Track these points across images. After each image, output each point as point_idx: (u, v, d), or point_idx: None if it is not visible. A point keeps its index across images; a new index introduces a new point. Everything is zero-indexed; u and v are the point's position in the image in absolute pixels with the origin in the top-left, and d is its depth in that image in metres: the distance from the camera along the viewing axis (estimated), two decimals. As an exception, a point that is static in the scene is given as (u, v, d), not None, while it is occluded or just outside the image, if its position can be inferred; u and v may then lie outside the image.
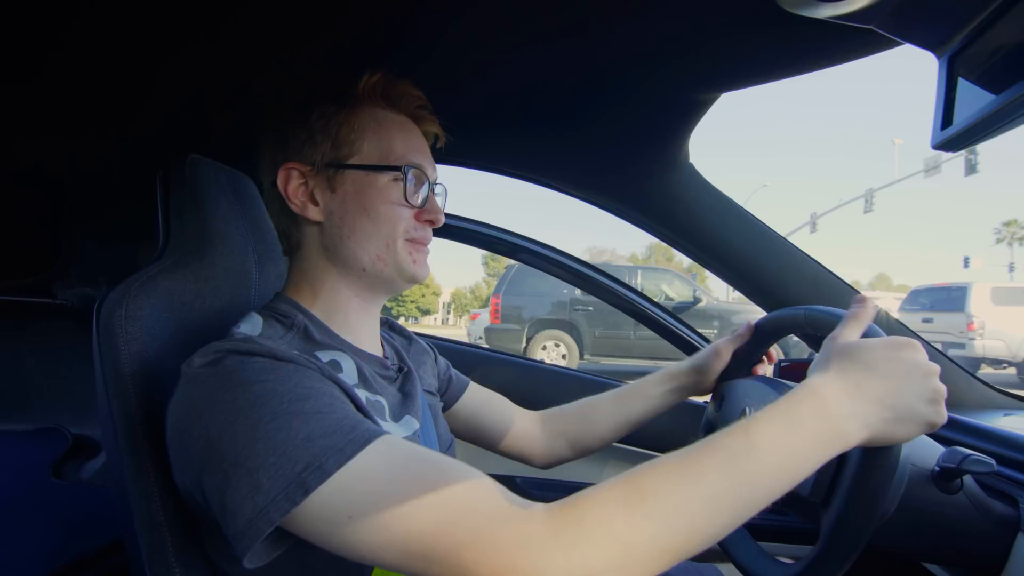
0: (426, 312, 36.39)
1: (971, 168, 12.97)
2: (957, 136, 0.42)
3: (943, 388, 0.49)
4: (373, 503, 0.41)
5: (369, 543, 0.41)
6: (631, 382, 0.88)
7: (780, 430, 0.45)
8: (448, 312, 38.44)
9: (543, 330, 7.02)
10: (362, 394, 0.56)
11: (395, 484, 0.42)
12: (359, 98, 0.60)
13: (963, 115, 0.42)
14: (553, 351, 6.97)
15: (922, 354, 0.50)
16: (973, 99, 0.42)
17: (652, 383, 0.85)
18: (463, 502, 0.42)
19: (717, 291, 7.61)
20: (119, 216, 1.09)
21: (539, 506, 0.42)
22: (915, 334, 0.89)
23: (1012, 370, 7.52)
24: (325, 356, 0.57)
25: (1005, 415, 0.89)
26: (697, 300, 7.00)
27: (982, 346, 7.33)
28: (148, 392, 0.55)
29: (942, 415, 0.49)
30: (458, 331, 20.80)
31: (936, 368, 0.50)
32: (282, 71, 0.78)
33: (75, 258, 1.15)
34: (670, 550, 0.41)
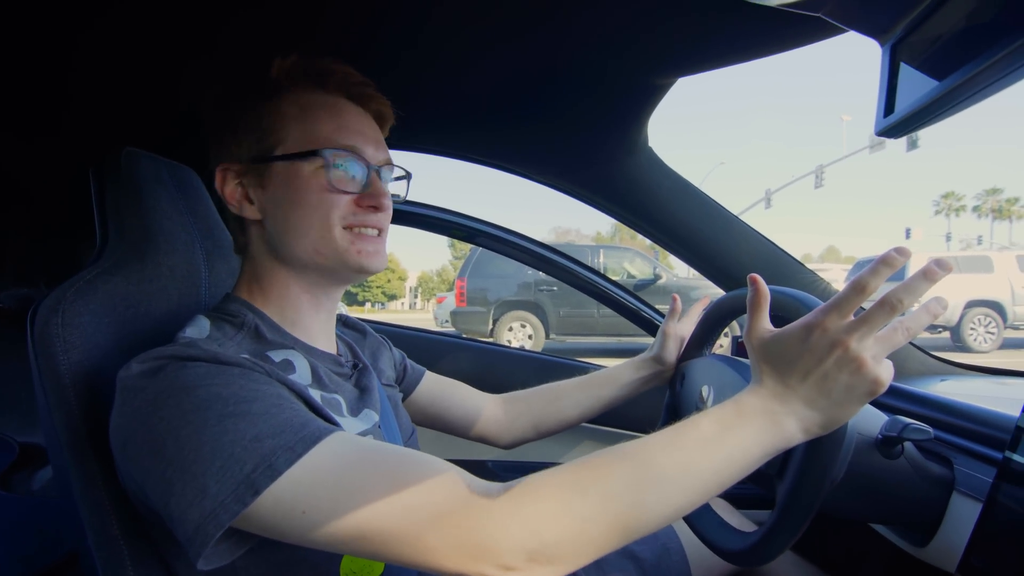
0: (392, 297, 35.92)
1: (912, 144, 13.68)
2: (899, 123, 0.44)
3: (878, 377, 0.46)
4: (327, 496, 0.41)
5: (325, 535, 0.42)
6: (597, 371, 0.90)
7: (726, 427, 0.47)
8: (415, 296, 38.04)
9: (509, 311, 7.06)
10: (316, 393, 0.55)
11: (348, 476, 0.43)
12: (279, 85, 0.56)
13: (905, 102, 0.44)
14: (519, 332, 7.03)
15: (831, 329, 0.46)
16: (915, 86, 0.43)
17: (619, 371, 0.88)
18: (419, 487, 0.43)
19: (678, 268, 7.82)
20: (56, 213, 1.01)
21: (497, 485, 0.44)
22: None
23: (946, 334, 8.07)
24: (277, 356, 0.55)
25: (942, 380, 0.95)
26: (658, 277, 7.18)
27: (920, 312, 7.81)
28: (93, 402, 0.52)
29: (877, 382, 0.46)
30: (425, 315, 20.63)
31: (867, 359, 0.46)
32: (208, 64, 0.74)
33: (8, 257, 1.07)
34: (623, 527, 0.43)
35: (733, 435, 0.47)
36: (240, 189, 0.57)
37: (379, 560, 0.43)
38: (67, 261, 1.03)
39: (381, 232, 0.59)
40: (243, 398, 0.44)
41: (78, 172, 0.72)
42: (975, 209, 46.18)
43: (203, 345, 0.48)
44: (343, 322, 0.77)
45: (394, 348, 0.82)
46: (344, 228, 0.56)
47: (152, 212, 0.64)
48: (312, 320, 0.61)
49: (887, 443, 0.65)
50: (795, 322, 0.50)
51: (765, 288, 0.52)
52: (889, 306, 0.45)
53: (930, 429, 0.62)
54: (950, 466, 0.69)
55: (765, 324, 0.52)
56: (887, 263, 0.45)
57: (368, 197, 0.57)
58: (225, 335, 0.54)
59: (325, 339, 0.64)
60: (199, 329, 0.54)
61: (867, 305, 0.47)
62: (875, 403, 0.81)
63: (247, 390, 0.45)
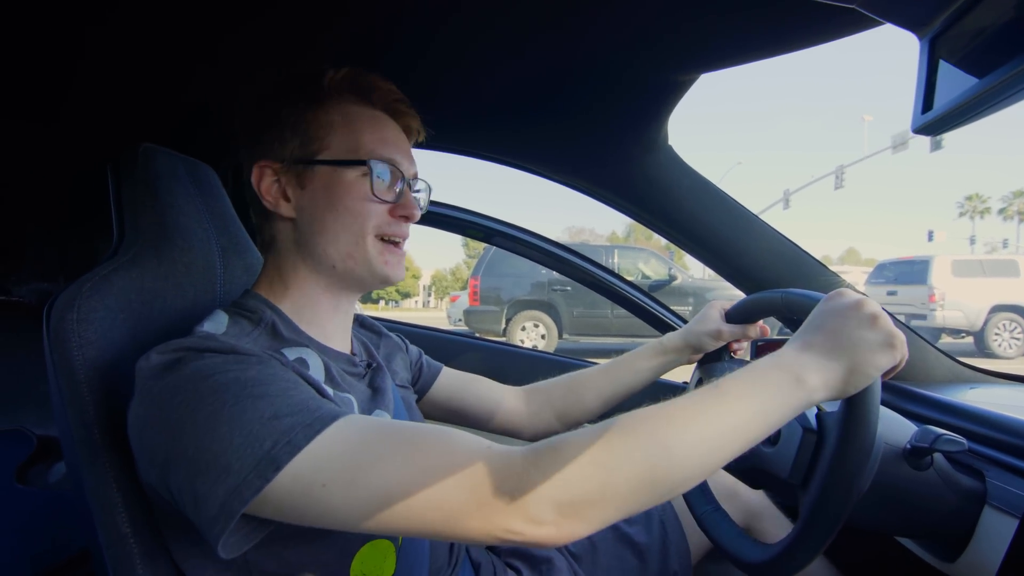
0: (406, 295, 36.14)
1: (936, 145, 13.34)
2: (937, 120, 0.41)
3: (895, 331, 0.52)
4: (347, 467, 0.42)
5: (347, 507, 0.42)
6: (622, 355, 0.88)
7: (746, 383, 0.48)
8: (429, 295, 38.24)
9: (522, 311, 7.04)
10: (329, 390, 0.55)
11: (367, 447, 0.43)
12: (328, 93, 0.59)
13: (944, 99, 0.41)
14: (532, 331, 7.02)
15: (847, 294, 0.54)
16: (954, 82, 0.41)
17: (644, 356, 0.86)
18: (439, 451, 0.43)
19: (693, 269, 7.74)
20: (74, 210, 1.03)
21: (519, 447, 0.44)
22: (884, 309, 0.91)
23: (970, 339, 7.88)
24: (292, 353, 0.56)
25: (971, 388, 0.92)
26: (673, 278, 7.11)
27: (942, 317, 7.64)
28: (106, 399, 0.52)
29: (895, 335, 0.51)
30: (439, 313, 20.73)
31: (883, 315, 0.52)
32: (251, 65, 0.74)
33: (28, 253, 1.09)
34: (651, 479, 0.43)
35: (752, 391, 0.48)
36: (277, 186, 0.59)
37: (405, 533, 0.43)
38: (86, 257, 1.05)
39: (404, 242, 0.62)
40: (260, 381, 0.45)
41: (96, 167, 0.72)
42: (1001, 212, 44.94)
43: (221, 338, 0.50)
44: (359, 322, 0.78)
45: (411, 346, 0.82)
46: (376, 237, 0.59)
47: (168, 208, 0.65)
48: (329, 320, 0.62)
49: (916, 454, 0.63)
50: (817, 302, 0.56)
51: None
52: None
53: (963, 440, 0.60)
54: (982, 479, 0.66)
55: None
56: None
57: (402, 207, 0.60)
58: (242, 330, 0.55)
59: (340, 339, 0.64)
60: (217, 324, 0.54)
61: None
62: (903, 412, 0.78)
63: (264, 374, 0.46)
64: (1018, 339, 7.59)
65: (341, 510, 0.42)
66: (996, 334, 7.63)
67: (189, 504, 0.43)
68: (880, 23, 0.46)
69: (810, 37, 0.63)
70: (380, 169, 0.58)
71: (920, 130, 0.43)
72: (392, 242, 0.60)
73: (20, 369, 1.13)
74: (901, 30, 0.44)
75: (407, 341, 0.82)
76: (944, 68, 0.42)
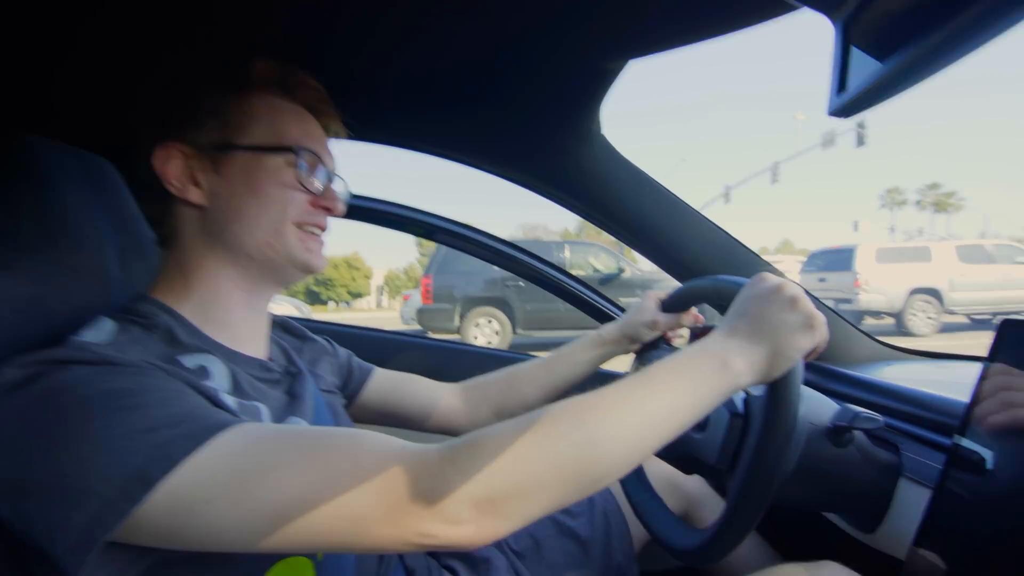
0: (358, 295, 35.21)
1: (861, 140, 14.32)
2: (851, 102, 0.42)
3: (814, 312, 0.53)
4: (235, 479, 0.37)
5: (238, 524, 0.37)
6: (559, 348, 0.88)
7: (672, 369, 0.48)
8: (382, 295, 37.41)
9: (476, 307, 7.01)
10: (232, 401, 0.50)
11: (260, 455, 0.38)
12: (252, 83, 0.58)
13: (856, 81, 0.42)
14: (486, 327, 7.00)
15: (768, 278, 0.55)
16: (865, 64, 0.42)
17: (582, 348, 0.86)
18: (343, 455, 0.39)
19: (641, 263, 7.96)
20: None
21: (434, 445, 0.41)
22: (808, 292, 0.95)
23: (891, 320, 8.52)
24: (191, 361, 0.50)
25: (888, 365, 0.97)
26: (621, 271, 7.28)
27: (867, 300, 8.24)
28: None
29: (815, 317, 0.52)
30: (392, 314, 20.33)
31: (803, 297, 0.53)
32: (161, 47, 0.67)
33: None
34: (573, 472, 0.41)
35: (679, 376, 0.47)
36: (186, 171, 0.55)
37: (309, 548, 0.39)
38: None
39: (324, 232, 0.61)
40: (134, 391, 0.39)
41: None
42: (917, 203, 48.93)
43: (95, 348, 0.43)
44: (281, 326, 0.73)
45: (339, 349, 0.78)
46: (295, 225, 0.57)
47: (53, 206, 0.58)
48: (240, 320, 0.57)
49: (837, 432, 0.65)
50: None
51: None
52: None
53: (880, 417, 0.62)
54: (897, 452, 0.69)
55: None
56: None
57: (324, 199, 0.59)
58: (132, 338, 0.49)
59: (253, 343, 0.59)
60: (100, 332, 0.48)
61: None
62: (826, 391, 0.82)
63: (140, 384, 0.40)
64: (932, 318, 8.28)
65: (230, 529, 0.37)
66: (913, 315, 8.29)
67: (44, 537, 0.37)
68: (796, 7, 0.46)
69: (732, 22, 0.63)
70: (307, 157, 0.57)
71: (836, 112, 0.43)
72: (311, 232, 0.59)
73: None
74: (816, 13, 0.44)
75: (335, 344, 0.78)
76: (856, 50, 0.42)
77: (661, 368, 0.48)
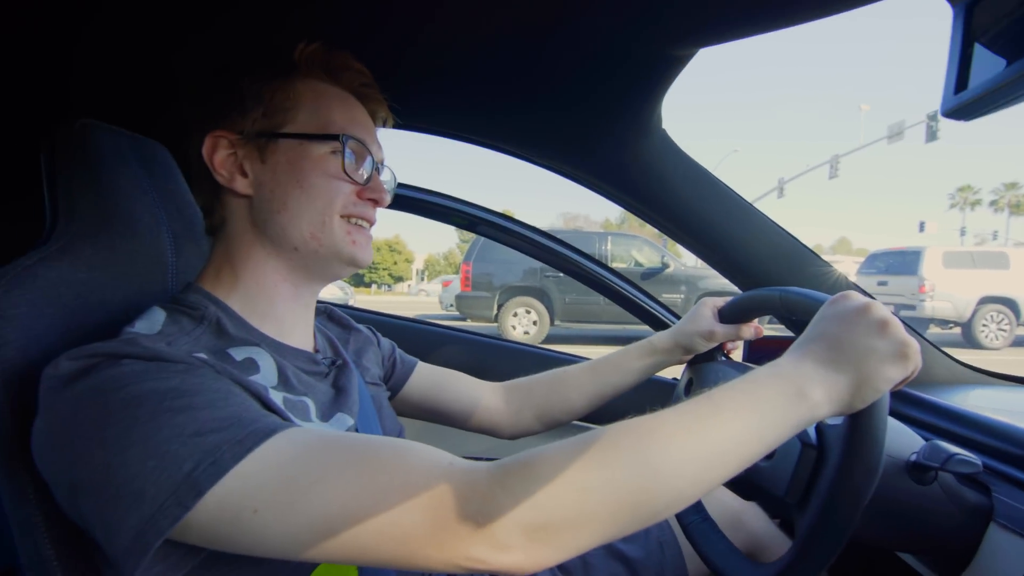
0: (399, 279, 36.00)
1: (932, 135, 13.29)
2: (972, 102, 0.36)
3: (907, 339, 0.47)
4: (283, 489, 0.37)
5: (284, 535, 0.36)
6: (608, 354, 0.84)
7: (743, 395, 0.43)
8: (421, 279, 38.10)
9: (514, 297, 7.00)
10: (279, 396, 0.50)
11: (308, 466, 0.37)
12: (296, 67, 0.56)
13: (979, 79, 0.36)
14: (524, 318, 6.99)
15: (875, 311, 0.48)
16: (990, 63, 0.35)
17: (632, 356, 0.82)
18: (392, 469, 0.38)
19: (686, 257, 7.71)
20: (8, 193, 0.95)
21: (485, 463, 0.39)
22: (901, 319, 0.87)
23: (957, 330, 7.94)
24: (239, 353, 0.50)
25: (973, 390, 0.88)
26: (665, 266, 7.08)
27: (931, 307, 7.69)
28: (27, 407, 0.46)
29: (907, 344, 0.47)
30: (430, 299, 20.64)
31: (894, 321, 0.48)
32: (214, 31, 0.68)
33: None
34: (630, 504, 0.38)
35: (749, 404, 0.43)
36: (232, 159, 0.54)
37: (354, 563, 0.39)
38: (23, 246, 0.97)
39: (371, 226, 0.59)
40: (182, 392, 0.39)
41: (30, 144, 0.65)
42: (992, 204, 45.28)
43: (145, 342, 0.43)
44: (327, 315, 0.73)
45: (383, 340, 0.77)
46: (342, 217, 0.55)
47: (110, 191, 0.58)
48: (287, 312, 0.57)
49: (921, 468, 0.58)
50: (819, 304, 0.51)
51: None
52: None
53: (978, 461, 0.55)
54: (988, 494, 0.62)
55: None
56: None
57: (371, 190, 0.57)
58: (181, 329, 0.49)
59: (300, 334, 0.59)
60: (151, 323, 0.49)
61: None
62: (901, 417, 0.74)
63: (188, 384, 0.40)
64: (1004, 331, 7.66)
65: (276, 538, 0.36)
66: (984, 325, 7.70)
67: (100, 534, 0.38)
68: (907, -11, 0.40)
69: (829, 4, 0.56)
70: (352, 146, 0.55)
71: (951, 113, 0.37)
72: (358, 224, 0.57)
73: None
74: (932, -3, 0.38)
75: (378, 334, 0.77)
76: (981, 42, 0.36)
77: (730, 393, 0.43)
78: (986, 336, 7.68)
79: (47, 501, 0.46)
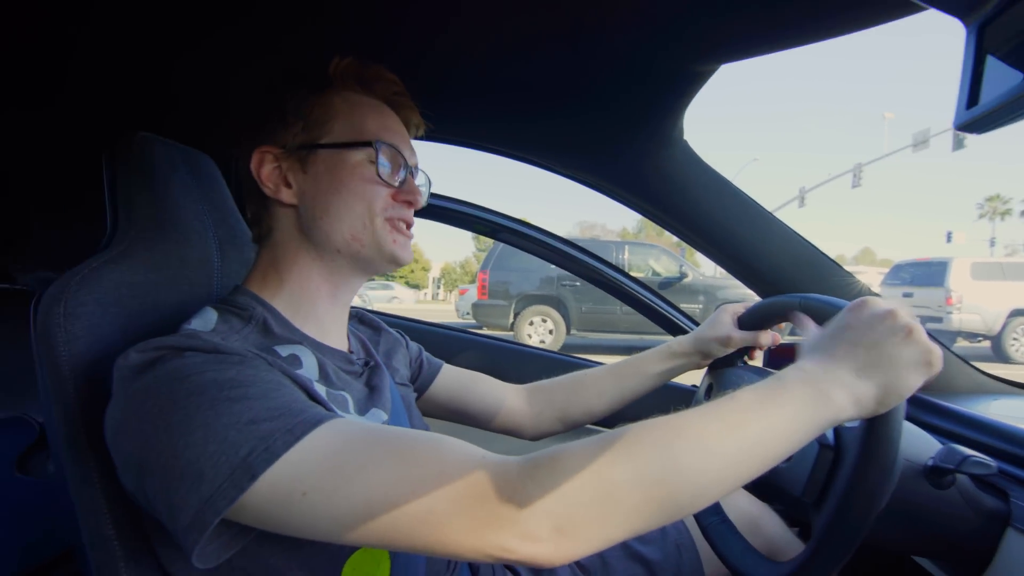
0: (416, 287, 36.27)
1: (959, 143, 13.00)
2: (984, 116, 0.38)
3: (932, 346, 0.48)
4: (329, 475, 0.40)
5: (330, 519, 0.39)
6: (628, 358, 0.86)
7: (769, 396, 0.44)
8: (438, 287, 38.33)
9: (530, 305, 7.01)
10: (322, 389, 0.53)
11: (352, 454, 0.40)
12: (331, 81, 0.59)
13: (992, 93, 0.37)
14: (540, 326, 6.99)
15: (878, 303, 0.49)
16: (1003, 76, 0.37)
17: (652, 360, 0.84)
18: (429, 460, 0.40)
19: (704, 266, 7.65)
20: (76, 197, 1.01)
21: (516, 457, 0.41)
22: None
23: (987, 343, 7.70)
24: (284, 351, 0.54)
25: (995, 400, 0.88)
26: (683, 275, 7.03)
27: (959, 320, 7.48)
28: (93, 397, 0.50)
29: (932, 352, 0.47)
30: (447, 306, 20.76)
31: (918, 327, 0.48)
32: (254, 53, 0.72)
33: (31, 240, 1.08)
34: (659, 498, 0.39)
35: (776, 405, 0.44)
36: (278, 173, 0.58)
37: (391, 547, 0.41)
38: (91, 245, 1.03)
39: (410, 227, 0.62)
40: (239, 383, 0.42)
41: (93, 156, 0.70)
42: (1023, 213, 43.97)
43: (204, 336, 0.47)
44: (358, 318, 0.76)
45: (411, 343, 0.81)
46: (383, 219, 0.58)
47: (164, 199, 0.63)
48: (326, 313, 0.60)
49: (938, 472, 0.59)
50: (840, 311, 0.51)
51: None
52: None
53: (992, 462, 0.56)
54: (1006, 499, 0.62)
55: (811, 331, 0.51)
56: None
57: (405, 192, 0.60)
58: (232, 328, 0.53)
59: (337, 335, 0.62)
60: (205, 321, 0.53)
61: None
62: (923, 424, 0.75)
63: (244, 375, 0.43)
64: (1037, 345, 7.42)
65: (322, 521, 0.40)
66: (1014, 339, 7.46)
67: (164, 512, 0.41)
68: (923, 8, 0.42)
69: (847, 23, 0.58)
70: (385, 152, 0.58)
71: (964, 127, 0.39)
72: (398, 225, 0.60)
73: (24, 356, 1.13)
74: (945, 15, 0.40)
75: (407, 337, 0.80)
76: (993, 59, 0.38)
77: (756, 394, 0.44)
78: (1016, 350, 7.44)
79: (110, 484, 0.49)
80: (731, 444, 0.41)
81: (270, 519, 0.40)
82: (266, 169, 0.58)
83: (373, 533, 0.39)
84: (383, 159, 0.58)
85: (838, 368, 0.46)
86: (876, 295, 0.93)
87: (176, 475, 0.39)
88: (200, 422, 0.40)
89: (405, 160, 0.60)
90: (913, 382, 0.47)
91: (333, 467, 0.40)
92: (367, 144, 0.57)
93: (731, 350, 0.80)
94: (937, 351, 0.48)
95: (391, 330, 0.79)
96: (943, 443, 0.62)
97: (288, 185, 0.58)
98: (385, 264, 0.60)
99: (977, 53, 0.38)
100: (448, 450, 0.42)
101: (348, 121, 0.58)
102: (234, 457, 0.39)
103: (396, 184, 0.59)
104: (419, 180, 0.64)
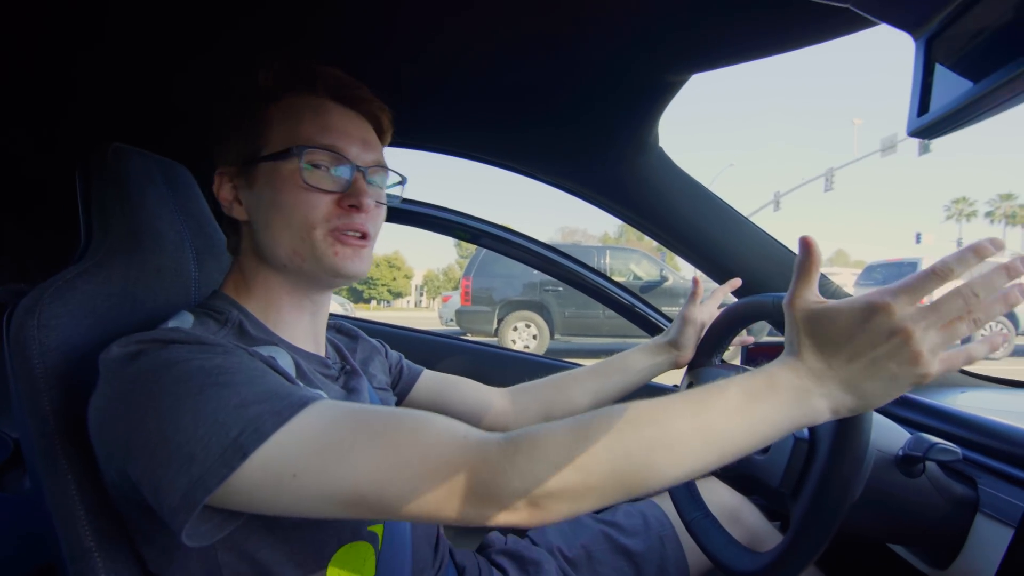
0: (398, 295, 36.00)
1: (925, 148, 13.47)
2: (934, 123, 0.40)
3: (928, 346, 0.42)
4: (317, 455, 0.41)
5: (319, 497, 0.41)
6: (608, 358, 0.88)
7: (749, 392, 0.44)
8: (421, 295, 38.11)
9: (514, 311, 7.02)
10: (299, 384, 0.53)
11: (339, 434, 0.42)
12: (271, 90, 0.56)
13: (940, 102, 0.40)
14: (524, 332, 7.00)
15: (898, 314, 0.42)
16: (951, 85, 0.40)
17: (633, 357, 0.86)
18: (413, 438, 0.42)
19: (684, 270, 7.76)
20: (49, 210, 0.99)
21: (497, 434, 0.43)
22: None
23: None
24: (262, 352, 0.53)
25: (962, 392, 0.92)
26: (664, 279, 7.12)
27: (930, 318, 7.69)
28: (68, 408, 0.50)
29: (926, 376, 0.43)
30: (431, 313, 20.65)
31: (920, 325, 0.42)
32: (231, 69, 0.72)
33: (6, 251, 1.05)
34: (627, 481, 0.41)
35: (760, 407, 0.43)
36: (232, 190, 0.58)
37: (380, 517, 0.43)
38: (64, 258, 1.02)
39: (366, 236, 0.57)
40: (225, 370, 0.43)
41: (68, 167, 0.69)
42: (987, 215, 45.62)
43: (185, 331, 0.48)
44: (335, 328, 0.76)
45: (390, 351, 0.81)
46: (327, 231, 0.54)
47: (139, 210, 0.62)
48: (296, 321, 0.60)
49: (908, 461, 0.62)
50: (856, 297, 0.45)
51: (818, 252, 0.46)
52: (963, 298, 0.42)
53: (957, 449, 0.59)
54: (974, 486, 0.65)
55: (813, 292, 0.47)
56: (977, 252, 0.41)
57: (348, 197, 0.55)
58: (208, 329, 0.53)
59: (312, 342, 0.62)
60: (182, 322, 0.53)
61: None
62: (894, 417, 0.78)
63: (229, 363, 0.44)
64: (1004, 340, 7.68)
65: (312, 499, 0.41)
66: (982, 335, 7.69)
67: (151, 494, 0.41)
68: (875, 23, 0.45)
69: (804, 37, 0.62)
70: (316, 157, 0.54)
71: (916, 133, 0.41)
72: (344, 236, 0.55)
73: (-4, 372, 1.10)
74: (896, 30, 0.43)
75: (387, 346, 0.81)
76: (940, 70, 0.41)
77: (739, 386, 0.44)
78: (984, 346, 7.69)
79: (88, 496, 0.49)
80: (708, 442, 0.42)
81: (261, 500, 0.41)
82: (224, 189, 0.58)
83: (363, 509, 0.41)
84: (316, 164, 0.54)
85: (831, 381, 0.44)
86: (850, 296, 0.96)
87: (165, 458, 0.40)
88: (189, 407, 0.40)
89: (348, 160, 0.55)
90: (892, 397, 0.45)
91: (321, 448, 0.41)
92: (289, 151, 0.53)
93: (693, 329, 0.84)
94: (932, 374, 0.43)
95: (369, 339, 0.79)
96: (912, 434, 0.65)
97: (239, 202, 0.58)
98: (332, 278, 0.56)
99: (926, 64, 0.41)
100: (432, 430, 0.43)
101: (283, 129, 0.55)
102: (225, 438, 0.40)
103: (336, 188, 0.54)
104: (374, 177, 0.59)
